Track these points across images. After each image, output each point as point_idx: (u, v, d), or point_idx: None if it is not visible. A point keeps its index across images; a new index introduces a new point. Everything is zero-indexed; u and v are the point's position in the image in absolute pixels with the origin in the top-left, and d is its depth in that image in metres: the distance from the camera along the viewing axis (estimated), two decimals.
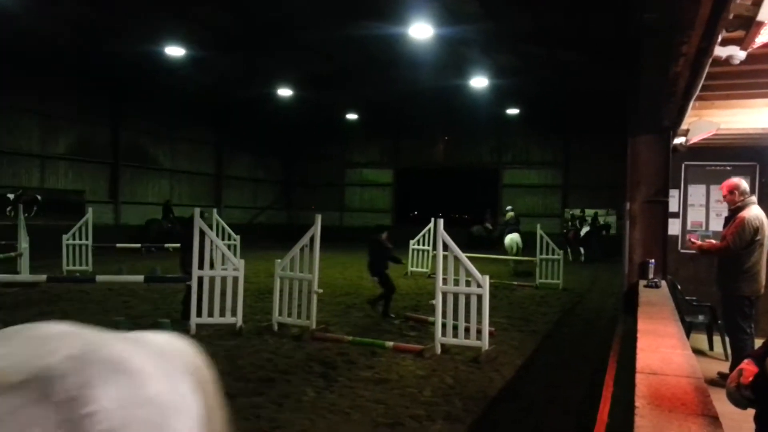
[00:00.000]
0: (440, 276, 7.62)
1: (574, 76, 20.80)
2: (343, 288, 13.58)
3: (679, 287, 7.40)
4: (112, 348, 1.29)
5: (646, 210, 6.55)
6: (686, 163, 8.50)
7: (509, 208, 21.37)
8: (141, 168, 25.87)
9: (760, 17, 3.14)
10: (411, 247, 16.85)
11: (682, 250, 8.66)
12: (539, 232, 14.89)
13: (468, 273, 7.37)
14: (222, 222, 15.60)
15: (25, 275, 11.96)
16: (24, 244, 12.73)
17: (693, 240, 6.37)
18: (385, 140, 33.33)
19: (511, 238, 18.39)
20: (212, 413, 1.47)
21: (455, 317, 7.44)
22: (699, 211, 8.71)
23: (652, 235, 6.56)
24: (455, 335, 7.45)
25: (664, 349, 3.09)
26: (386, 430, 4.94)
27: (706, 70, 4.30)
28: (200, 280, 8.26)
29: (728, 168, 8.28)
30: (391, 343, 7.78)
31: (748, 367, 2.35)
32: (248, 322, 8.87)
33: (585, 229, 24.17)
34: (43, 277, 9.48)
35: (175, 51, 18.63)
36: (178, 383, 1.35)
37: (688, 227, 8.78)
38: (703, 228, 8.70)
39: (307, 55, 19.57)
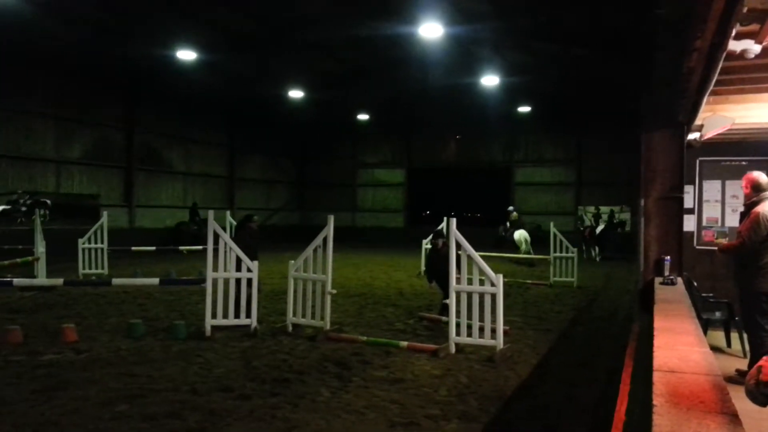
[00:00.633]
0: (453, 275, 7.61)
1: (586, 72, 20.65)
2: (356, 288, 13.60)
3: (695, 284, 7.34)
4: None
5: (661, 206, 6.50)
6: (701, 158, 8.43)
7: (511, 208, 22.57)
8: (155, 171, 26.06)
9: None
10: (424, 246, 16.84)
11: (698, 247, 8.59)
12: (553, 230, 14.82)
13: (481, 272, 7.35)
14: (236, 224, 15.65)
15: (42, 279, 12.09)
16: (41, 248, 12.88)
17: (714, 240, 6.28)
18: (396, 140, 33.34)
19: (520, 233, 20.10)
20: None
21: (469, 316, 7.43)
22: (714, 207, 8.63)
23: (668, 232, 6.50)
24: (470, 334, 7.43)
25: (682, 346, 3.06)
26: (402, 429, 4.94)
27: (720, 64, 4.26)
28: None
29: (743, 163, 8.20)
30: (405, 343, 7.78)
31: (767, 364, 2.33)
32: (263, 324, 8.92)
33: (600, 227, 23.76)
34: (60, 281, 9.58)
35: (187, 54, 18.76)
36: None
37: (704, 223, 8.70)
38: (719, 224, 8.62)
39: (319, 56, 19.63)
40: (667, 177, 6.51)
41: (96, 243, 14.86)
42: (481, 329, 7.35)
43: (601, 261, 21.94)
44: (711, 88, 5.02)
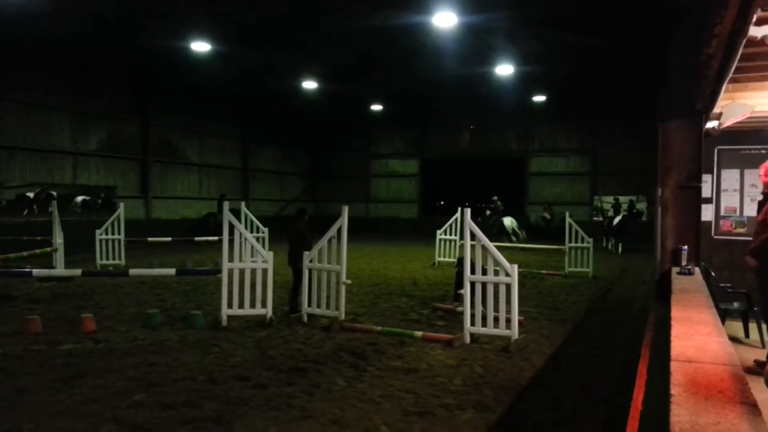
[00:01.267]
0: (468, 265, 7.60)
1: (602, 60, 20.41)
2: (370, 278, 13.63)
3: (712, 274, 7.27)
4: None
5: (679, 196, 6.43)
6: (719, 147, 8.32)
7: (495, 198, 25.08)
8: (170, 163, 26.22)
9: None
10: (438, 237, 16.85)
11: (716, 237, 8.50)
12: (568, 220, 14.74)
13: (496, 262, 7.33)
14: (251, 215, 15.75)
15: (61, 270, 12.25)
16: (59, 239, 13.06)
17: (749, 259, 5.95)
18: (410, 131, 33.24)
19: (510, 220, 23.14)
20: None
21: (484, 307, 7.42)
22: (733, 197, 8.52)
23: (685, 222, 6.44)
24: (484, 324, 7.43)
25: (699, 336, 3.04)
26: (417, 419, 4.96)
27: (740, 51, 4.19)
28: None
29: (763, 152, 8.08)
30: (420, 333, 7.80)
31: None
32: (278, 314, 8.97)
33: (618, 218, 23.03)
34: (78, 272, 9.69)
35: (201, 46, 18.81)
36: None
37: (722, 213, 8.60)
38: (737, 213, 8.52)
39: (332, 47, 19.56)
40: (684, 166, 6.43)
41: (113, 234, 15.01)
42: (496, 319, 7.35)
43: (620, 252, 21.30)
44: (730, 75, 4.95)
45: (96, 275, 12.40)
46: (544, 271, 15.06)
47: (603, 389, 5.87)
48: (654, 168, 6.76)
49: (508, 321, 7.26)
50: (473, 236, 7.50)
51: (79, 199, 23.71)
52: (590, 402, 5.55)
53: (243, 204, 16.12)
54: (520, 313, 7.82)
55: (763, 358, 5.55)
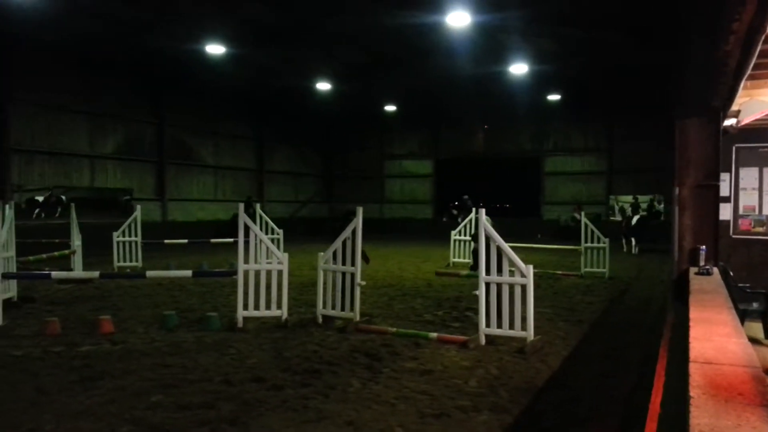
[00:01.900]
0: (483, 266, 7.57)
1: (617, 58, 20.25)
2: (384, 279, 13.63)
3: (731, 274, 7.17)
4: None
5: (696, 195, 6.36)
6: (737, 145, 8.21)
7: (466, 197, 24.28)
8: (185, 165, 26.44)
9: None
10: (452, 237, 16.82)
11: (735, 236, 8.39)
12: (584, 219, 14.64)
13: (511, 263, 7.30)
14: (265, 216, 15.84)
15: (79, 272, 12.40)
16: (77, 241, 13.21)
17: None
18: (424, 131, 33.22)
19: (487, 218, 21.48)
20: None
21: (499, 307, 7.38)
22: (752, 195, 8.41)
23: (703, 221, 6.37)
24: (500, 326, 7.39)
25: (718, 337, 3.00)
26: (432, 420, 4.95)
27: (759, 47, 4.14)
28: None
29: None
30: (434, 334, 7.78)
31: None
32: (293, 315, 8.99)
33: (636, 218, 22.55)
34: (96, 274, 9.78)
35: (215, 48, 18.97)
36: None
37: (740, 212, 8.49)
38: (756, 212, 8.40)
39: (345, 47, 19.62)
40: (702, 164, 6.36)
41: (130, 236, 15.16)
42: (512, 321, 7.31)
43: (638, 253, 20.92)
44: (748, 72, 4.89)
45: (113, 277, 12.53)
46: (560, 272, 14.97)
47: (620, 391, 5.82)
48: (671, 167, 6.70)
49: (524, 321, 7.22)
50: (488, 237, 7.47)
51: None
52: (607, 403, 5.50)
53: (258, 205, 16.21)
54: (536, 314, 7.76)
55: None
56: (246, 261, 8.40)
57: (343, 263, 8.58)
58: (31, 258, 11.75)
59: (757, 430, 1.76)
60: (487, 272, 7.47)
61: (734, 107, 6.59)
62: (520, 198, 36.16)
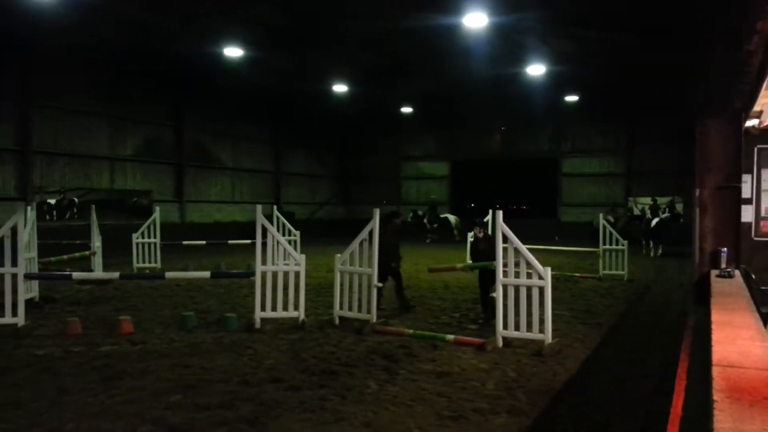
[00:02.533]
0: (500, 268, 7.53)
1: (636, 58, 20.04)
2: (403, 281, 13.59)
3: (753, 276, 7.06)
4: None
5: (718, 197, 6.27)
6: (759, 146, 8.07)
7: (433, 197, 29.10)
8: (204, 167, 26.65)
9: None
10: (469, 239, 16.73)
11: (756, 238, 8.26)
12: (602, 222, 14.52)
13: (529, 264, 7.26)
14: (282, 218, 15.90)
15: (99, 273, 12.54)
16: (97, 243, 13.36)
17: None
18: (440, 132, 33.15)
19: (455, 218, 28.02)
20: None
21: (516, 310, 7.34)
22: None
23: (724, 223, 6.28)
24: (517, 328, 7.35)
25: (741, 341, 2.96)
26: (450, 423, 4.93)
27: None
28: (264, 275, 8.44)
29: None
30: (451, 336, 7.76)
31: None
32: (310, 316, 9.03)
33: (655, 220, 21.91)
34: (116, 275, 9.90)
35: (233, 51, 19.12)
36: None
37: (762, 214, 8.35)
38: None
39: (362, 49, 19.65)
40: (723, 166, 6.27)
41: (149, 238, 15.31)
42: (529, 323, 7.26)
43: (657, 256, 20.47)
44: None
45: (133, 278, 12.65)
46: (578, 274, 14.85)
47: (639, 394, 5.76)
48: (691, 168, 6.62)
49: (542, 323, 7.17)
50: (505, 238, 7.44)
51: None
52: (626, 407, 5.45)
53: (275, 207, 16.28)
54: (554, 316, 7.70)
55: None
56: (264, 262, 8.44)
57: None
58: (52, 259, 11.92)
59: None
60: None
61: (756, 108, 6.49)
62: (537, 200, 35.98)
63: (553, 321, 7.37)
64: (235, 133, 28.15)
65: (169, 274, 9.78)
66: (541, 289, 7.17)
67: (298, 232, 16.05)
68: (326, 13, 16.09)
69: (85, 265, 13.39)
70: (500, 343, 7.43)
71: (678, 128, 25.14)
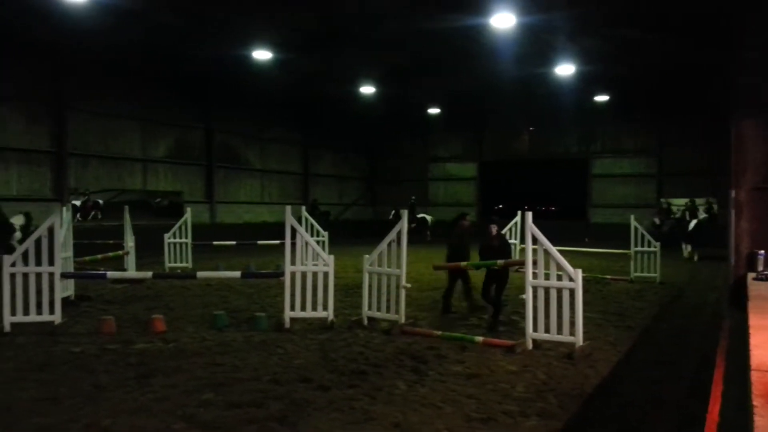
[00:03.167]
0: (530, 270, 7.48)
1: (668, 56, 19.70)
2: (429, 282, 13.59)
3: None
4: None
5: (754, 198, 6.15)
6: None
7: (414, 197, 29.20)
8: (233, 169, 26.98)
9: None
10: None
11: None
12: (633, 223, 14.29)
13: (559, 267, 7.19)
14: (311, 219, 16.02)
15: (132, 272, 12.79)
16: (130, 243, 13.63)
17: None
18: (468, 133, 33.00)
19: (430, 218, 28.48)
20: None
21: (546, 312, 7.28)
22: None
23: (761, 225, 6.15)
24: (547, 330, 7.29)
25: None
26: (479, 425, 4.92)
27: None
28: (295, 275, 8.52)
29: None
30: (480, 338, 7.73)
31: None
32: (338, 316, 9.07)
33: (693, 222, 21.07)
34: (149, 274, 10.08)
35: (262, 54, 19.34)
36: None
37: None
38: None
39: (389, 51, 19.68)
40: (759, 166, 6.15)
41: (180, 238, 15.56)
42: (559, 325, 7.19)
43: (695, 260, 19.56)
44: None
45: (165, 277, 12.87)
46: (609, 276, 14.65)
47: (673, 398, 5.67)
48: (725, 168, 6.49)
49: (573, 325, 7.10)
50: (535, 240, 7.38)
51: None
52: (660, 411, 5.36)
53: (303, 208, 16.41)
54: (584, 319, 7.61)
55: None
56: (293, 263, 8.52)
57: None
58: (87, 258, 12.20)
59: None
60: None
61: None
62: (566, 200, 35.60)
63: (583, 324, 7.29)
64: (264, 135, 28.44)
65: (200, 274, 9.93)
66: (572, 291, 7.10)
67: (326, 233, 16.15)
68: (354, 14, 16.15)
69: (118, 264, 13.68)
70: (530, 346, 7.37)
71: (711, 128, 24.67)
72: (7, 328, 8.01)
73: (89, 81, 20.68)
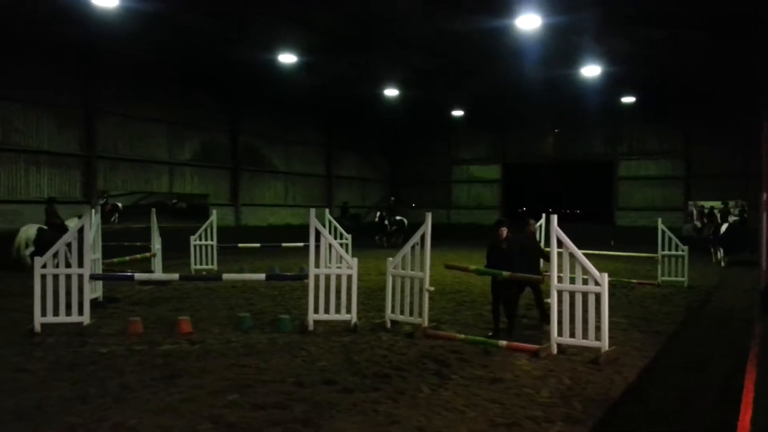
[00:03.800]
0: (555, 274, 7.41)
1: (697, 56, 19.36)
2: (452, 286, 13.56)
3: None
4: None
5: None
6: None
7: (393, 198, 29.09)
8: (258, 171, 27.21)
9: None
10: None
11: None
12: (660, 226, 14.07)
13: (585, 270, 7.11)
14: (334, 222, 16.08)
15: (159, 274, 12.96)
16: (157, 245, 13.82)
17: None
18: (491, 135, 32.85)
19: (400, 219, 27.01)
20: None
21: (572, 317, 7.20)
22: None
23: None
24: (572, 335, 7.21)
25: None
26: (503, 430, 4.89)
27: None
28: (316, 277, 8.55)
29: None
30: (504, 342, 7.67)
31: None
32: (362, 319, 9.08)
33: (725, 225, 20.26)
34: (176, 276, 10.20)
35: (287, 58, 19.50)
36: None
37: None
38: None
39: (413, 53, 19.69)
40: None
41: (206, 240, 15.74)
42: (585, 330, 7.11)
43: (724, 264, 19.00)
44: None
45: (192, 279, 13.01)
46: (635, 280, 14.44)
47: (702, 405, 5.57)
48: (755, 170, 6.37)
49: (599, 330, 7.01)
50: (560, 243, 7.31)
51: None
52: (688, 418, 5.27)
53: (327, 211, 16.47)
54: (610, 323, 7.51)
55: None
56: (317, 265, 8.55)
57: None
58: (114, 260, 12.39)
59: None
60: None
61: None
62: (591, 203, 35.21)
63: (609, 328, 7.20)
64: (288, 137, 28.62)
65: (226, 276, 10.04)
66: (598, 296, 7.02)
67: (349, 236, 16.19)
68: (379, 16, 16.19)
69: (145, 266, 13.87)
70: (555, 350, 7.30)
71: (740, 129, 24.20)
72: (38, 328, 8.17)
73: (118, 85, 21.03)
